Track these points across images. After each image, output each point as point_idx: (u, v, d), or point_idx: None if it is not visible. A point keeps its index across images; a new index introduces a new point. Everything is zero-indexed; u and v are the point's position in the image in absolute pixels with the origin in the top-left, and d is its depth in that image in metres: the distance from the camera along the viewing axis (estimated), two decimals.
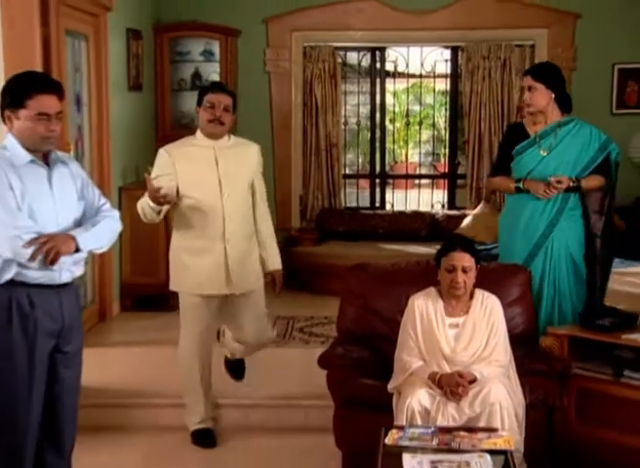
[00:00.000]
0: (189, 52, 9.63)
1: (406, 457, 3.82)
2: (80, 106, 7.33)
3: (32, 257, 3.80)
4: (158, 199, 4.97)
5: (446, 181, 10.66)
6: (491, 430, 4.23)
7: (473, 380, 4.50)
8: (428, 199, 10.99)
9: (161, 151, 5.35)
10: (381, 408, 4.68)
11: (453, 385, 4.46)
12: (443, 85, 10.54)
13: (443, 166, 10.79)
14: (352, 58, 10.48)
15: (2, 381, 3.98)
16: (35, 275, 3.93)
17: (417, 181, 11.07)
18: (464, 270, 4.65)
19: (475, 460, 3.79)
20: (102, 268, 7.71)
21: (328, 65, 9.84)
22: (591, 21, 9.45)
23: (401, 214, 10.13)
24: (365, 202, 10.62)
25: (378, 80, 10.34)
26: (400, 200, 10.92)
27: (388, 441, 4.02)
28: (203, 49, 9.62)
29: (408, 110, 11.10)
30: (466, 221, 9.56)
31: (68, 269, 4.04)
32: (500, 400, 4.41)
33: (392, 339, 4.88)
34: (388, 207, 10.58)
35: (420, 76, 10.63)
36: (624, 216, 7.59)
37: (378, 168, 10.54)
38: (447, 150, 10.59)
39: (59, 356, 4.08)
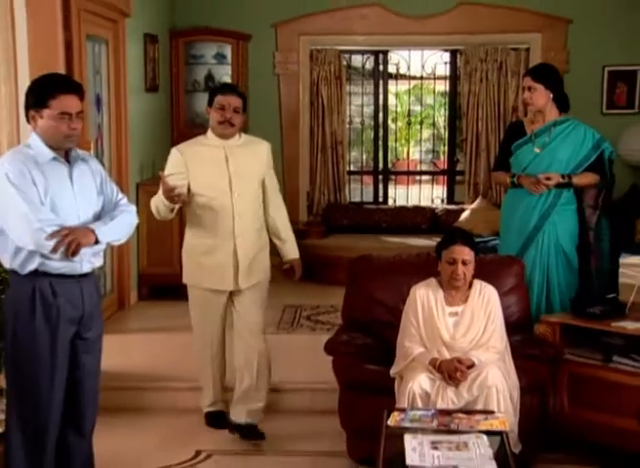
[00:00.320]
0: (203, 55, 9.63)
1: (407, 438, 3.82)
2: (100, 106, 7.33)
3: (55, 249, 3.81)
4: (172, 197, 4.89)
5: (445, 178, 10.66)
6: (487, 412, 4.23)
7: (471, 365, 4.50)
8: (429, 194, 10.99)
9: (173, 150, 5.23)
10: (384, 391, 4.68)
11: (452, 370, 4.46)
12: (442, 86, 10.53)
13: (442, 163, 10.80)
14: (356, 60, 10.47)
15: (26, 367, 3.98)
16: (57, 265, 3.93)
17: (417, 178, 11.06)
18: (464, 263, 4.65)
19: (473, 441, 3.79)
20: (121, 259, 7.71)
21: (333, 68, 9.85)
22: (582, 26, 9.45)
23: (403, 208, 10.14)
24: (368, 197, 10.62)
25: (380, 82, 10.34)
26: (402, 195, 10.91)
27: (391, 422, 4.02)
28: (216, 52, 9.62)
29: (409, 110, 11.06)
30: (465, 215, 9.57)
31: (88, 260, 4.04)
32: (497, 384, 4.41)
33: (394, 327, 4.88)
34: (391, 202, 10.58)
35: (421, 78, 10.64)
36: (614, 211, 7.59)
37: (381, 165, 10.54)
38: (446, 148, 10.60)
39: (79, 342, 4.08)
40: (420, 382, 4.49)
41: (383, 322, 5.18)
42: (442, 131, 10.75)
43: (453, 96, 10.31)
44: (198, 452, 5.15)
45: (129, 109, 7.77)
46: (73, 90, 3.97)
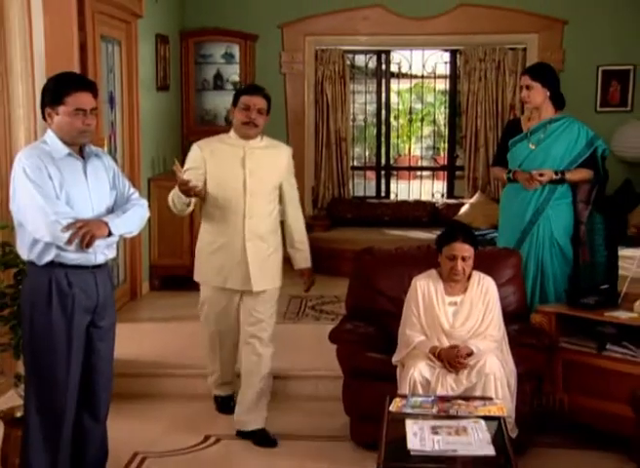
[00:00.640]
0: (212, 55, 9.63)
1: (409, 423, 3.83)
2: (113, 104, 7.33)
3: (70, 241, 3.81)
4: (187, 191, 4.75)
5: (445, 173, 10.67)
6: (486, 399, 4.24)
7: (470, 353, 4.50)
8: (429, 189, 10.97)
9: (194, 146, 5.08)
10: (386, 378, 4.69)
11: (452, 358, 4.46)
12: (443, 85, 10.52)
13: (443, 159, 10.79)
14: (360, 60, 10.47)
15: (43, 353, 3.99)
16: (73, 257, 3.93)
17: (419, 173, 11.07)
18: (464, 259, 4.65)
19: (471, 426, 3.80)
20: (133, 251, 7.72)
21: (338, 67, 9.84)
22: (577, 27, 9.45)
23: (404, 202, 10.14)
24: (371, 191, 10.62)
25: (383, 80, 10.33)
26: (403, 190, 10.90)
27: (393, 408, 4.03)
28: (224, 52, 9.62)
29: (411, 108, 11.05)
30: (464, 209, 9.57)
31: (102, 252, 4.05)
32: (495, 371, 4.42)
33: (396, 316, 4.88)
34: (393, 196, 10.58)
35: (422, 77, 10.64)
36: (607, 206, 7.58)
37: (383, 160, 10.54)
38: (446, 144, 10.60)
39: (94, 330, 4.09)
40: (421, 369, 4.49)
41: (386, 311, 5.18)
42: (442, 128, 10.74)
43: (453, 94, 10.31)
44: (207, 437, 5.16)
45: (141, 107, 7.76)
46: (87, 87, 3.98)
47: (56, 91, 3.92)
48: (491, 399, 4.25)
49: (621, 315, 4.95)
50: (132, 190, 4.23)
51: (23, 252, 4.00)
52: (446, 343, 4.60)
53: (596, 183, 5.64)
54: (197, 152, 5.03)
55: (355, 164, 10.56)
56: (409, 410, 4.00)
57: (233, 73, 9.58)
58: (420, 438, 3.69)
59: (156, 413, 5.51)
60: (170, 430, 5.27)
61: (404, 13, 9.56)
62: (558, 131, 5.62)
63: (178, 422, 5.36)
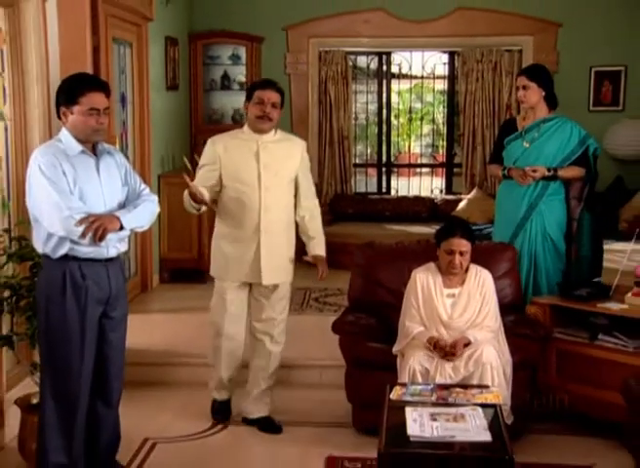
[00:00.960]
0: (219, 56, 9.63)
1: (408, 410, 3.83)
2: (125, 104, 7.34)
3: (83, 235, 3.81)
4: (196, 200, 4.65)
5: (444, 170, 10.65)
6: (482, 387, 4.25)
7: (468, 343, 4.51)
8: (428, 185, 10.97)
9: (209, 141, 4.96)
10: (387, 367, 4.70)
11: (447, 347, 4.49)
12: (441, 85, 10.50)
13: (441, 156, 10.77)
14: (362, 61, 10.45)
15: (58, 343, 4.00)
16: (86, 250, 3.94)
17: (418, 170, 11.02)
18: (462, 253, 4.65)
19: (469, 413, 3.80)
20: (144, 245, 7.72)
21: (340, 68, 9.83)
22: (571, 30, 9.44)
23: (404, 198, 10.14)
24: (373, 188, 10.61)
25: (384, 81, 10.31)
26: (403, 186, 10.88)
27: (393, 396, 4.04)
28: (231, 53, 9.62)
29: (410, 107, 11.04)
30: (462, 205, 9.58)
31: (114, 245, 4.05)
32: (491, 360, 4.42)
33: (396, 308, 4.89)
34: (393, 192, 10.58)
35: (422, 77, 10.63)
36: (599, 201, 7.60)
37: (384, 158, 10.53)
38: (445, 142, 10.58)
39: (106, 321, 4.10)
40: (420, 359, 4.50)
41: (386, 303, 5.19)
42: (441, 126, 10.73)
43: (451, 94, 10.29)
44: (214, 423, 5.17)
45: (151, 107, 7.76)
46: (100, 88, 3.99)
47: (71, 91, 3.93)
48: (487, 387, 4.26)
49: (613, 306, 4.95)
50: (143, 186, 4.23)
51: (39, 245, 4.01)
52: (444, 334, 4.60)
53: (588, 181, 5.64)
54: (211, 147, 4.92)
55: (357, 161, 10.55)
56: (408, 398, 4.00)
57: (240, 74, 9.60)
58: (419, 424, 3.69)
59: (166, 401, 5.53)
60: (179, 416, 5.28)
61: (404, 16, 9.55)
62: (551, 130, 5.62)
63: (186, 409, 5.38)
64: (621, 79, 9.52)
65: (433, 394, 4.04)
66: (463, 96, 9.82)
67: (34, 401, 4.50)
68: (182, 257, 8.09)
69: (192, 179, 4.71)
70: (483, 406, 3.90)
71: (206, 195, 4.71)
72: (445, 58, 10.24)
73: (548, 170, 5.53)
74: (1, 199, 4.95)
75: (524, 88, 5.58)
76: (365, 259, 5.41)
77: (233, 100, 9.61)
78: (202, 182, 4.80)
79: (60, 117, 4.00)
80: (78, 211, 3.83)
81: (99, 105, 3.93)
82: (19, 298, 4.53)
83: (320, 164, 9.97)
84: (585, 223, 5.64)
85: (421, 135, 11.29)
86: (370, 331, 5.04)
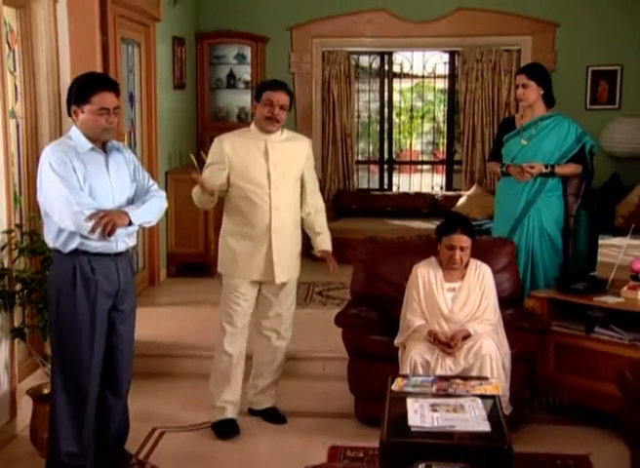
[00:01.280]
0: (225, 56, 9.62)
1: (409, 401, 3.84)
2: (133, 103, 7.34)
3: (93, 230, 3.81)
4: (203, 188, 4.56)
5: (444, 167, 10.63)
6: (482, 378, 4.25)
7: (467, 336, 4.51)
8: (429, 182, 10.95)
9: (216, 140, 4.83)
10: (389, 359, 4.70)
11: (446, 338, 4.50)
12: (442, 84, 10.48)
13: (442, 153, 10.77)
14: (364, 61, 10.42)
15: (69, 335, 4.01)
16: (95, 245, 3.94)
17: (419, 167, 11.03)
18: (462, 249, 4.65)
19: (468, 404, 3.80)
20: (152, 240, 7.73)
21: (343, 67, 9.82)
22: (569, 30, 9.42)
23: (405, 194, 10.13)
24: (375, 184, 10.60)
25: (386, 80, 10.31)
26: (405, 183, 10.87)
27: (394, 387, 4.04)
28: (237, 53, 9.61)
29: (412, 106, 11.01)
30: (462, 201, 9.57)
31: (123, 240, 4.05)
32: (490, 353, 4.42)
33: (398, 302, 4.89)
34: (395, 188, 10.56)
35: (423, 77, 10.61)
36: (595, 197, 7.59)
37: (386, 155, 10.52)
38: (445, 140, 10.57)
39: (115, 314, 4.11)
40: (421, 351, 4.50)
41: (388, 297, 5.19)
42: (441, 124, 10.71)
43: (451, 92, 10.27)
44: None
45: (158, 105, 7.76)
46: (111, 87, 3.98)
47: (82, 90, 3.92)
48: (487, 378, 4.26)
49: (609, 300, 4.95)
50: (151, 182, 4.23)
51: (50, 240, 4.01)
52: (445, 327, 4.60)
53: (585, 178, 5.64)
54: (219, 146, 4.79)
55: (359, 158, 10.53)
56: (410, 389, 4.00)
57: (245, 73, 9.59)
58: (420, 415, 3.69)
59: (174, 391, 5.54)
60: (186, 407, 5.29)
61: (406, 16, 9.53)
62: (549, 127, 5.61)
63: (193, 399, 5.38)
64: (617, 78, 9.50)
65: (434, 385, 4.04)
66: (463, 94, 9.80)
67: (45, 391, 4.51)
68: (189, 252, 8.10)
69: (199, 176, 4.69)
70: (482, 397, 3.91)
71: (215, 186, 4.65)
72: (445, 57, 10.22)
73: (546, 166, 5.52)
74: (13, 194, 4.96)
75: (523, 86, 5.57)
76: (367, 254, 5.41)
77: (238, 99, 9.60)
78: (210, 181, 4.72)
79: (70, 115, 4.00)
80: (88, 206, 3.84)
81: (109, 105, 3.93)
82: (30, 292, 4.54)
83: (323, 161, 9.97)
84: (582, 219, 5.63)
85: (422, 132, 11.28)
86: (372, 324, 5.04)
